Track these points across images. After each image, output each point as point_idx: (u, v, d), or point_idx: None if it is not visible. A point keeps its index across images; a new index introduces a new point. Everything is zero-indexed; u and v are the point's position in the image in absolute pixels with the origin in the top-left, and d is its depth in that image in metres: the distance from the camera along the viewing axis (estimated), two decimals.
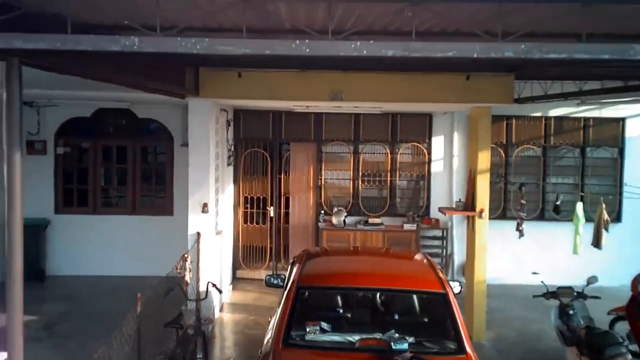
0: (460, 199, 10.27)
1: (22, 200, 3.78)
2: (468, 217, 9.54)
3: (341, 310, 5.71)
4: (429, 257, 6.64)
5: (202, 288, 8.33)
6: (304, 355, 4.91)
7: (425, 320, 5.54)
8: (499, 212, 11.89)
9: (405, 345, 4.89)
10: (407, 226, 11.58)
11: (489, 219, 11.62)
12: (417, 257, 6.90)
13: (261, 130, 11.78)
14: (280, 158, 12.05)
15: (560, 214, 10.70)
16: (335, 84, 8.24)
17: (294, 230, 11.92)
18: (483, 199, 9.12)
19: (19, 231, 3.77)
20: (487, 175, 9.23)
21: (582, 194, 11.04)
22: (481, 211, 9.09)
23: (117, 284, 10.60)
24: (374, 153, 12.08)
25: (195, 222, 8.69)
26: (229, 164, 10.80)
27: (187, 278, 7.47)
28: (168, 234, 10.76)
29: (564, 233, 10.76)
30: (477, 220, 9.13)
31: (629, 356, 6.45)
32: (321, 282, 5.78)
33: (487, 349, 8.61)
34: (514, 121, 11.93)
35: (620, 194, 11.90)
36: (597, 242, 9.38)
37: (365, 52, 3.41)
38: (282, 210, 12.10)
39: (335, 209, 11.73)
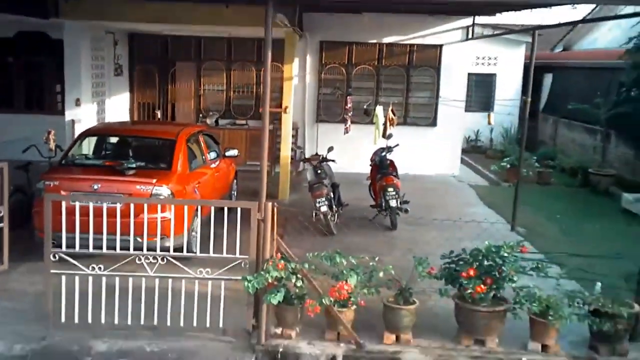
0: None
1: None
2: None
3: (106, 149, 9.09)
4: (197, 127, 9.96)
5: None
6: (68, 167, 8.32)
7: (160, 154, 8.77)
8: (340, 117, 15.02)
9: (133, 165, 8.16)
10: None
11: (333, 122, 14.93)
12: (184, 125, 10.10)
13: (151, 50, 15.06)
14: (167, 72, 15.27)
15: (370, 116, 13.90)
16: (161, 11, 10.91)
17: None
18: (287, 99, 12.23)
19: None
20: (290, 82, 12.31)
21: (381, 99, 14.20)
22: (285, 108, 12.23)
23: None
24: (244, 70, 15.24)
25: (71, 112, 12.00)
26: (116, 75, 14.04)
27: (52, 146, 10.70)
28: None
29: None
30: (283, 115, 12.29)
31: (325, 189, 9.79)
32: (95, 132, 9.21)
33: (284, 203, 11.83)
34: (354, 47, 14.99)
35: (436, 104, 15.07)
36: (383, 134, 12.55)
37: None
38: (169, 114, 15.43)
39: (211, 113, 15.01)
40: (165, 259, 6.00)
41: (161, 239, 6.23)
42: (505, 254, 6.16)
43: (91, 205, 5.99)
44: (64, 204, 5.97)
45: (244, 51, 15.07)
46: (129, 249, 6.04)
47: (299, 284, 6.06)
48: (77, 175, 7.93)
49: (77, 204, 5.93)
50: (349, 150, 14.45)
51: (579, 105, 15.64)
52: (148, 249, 6.05)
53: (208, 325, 6.01)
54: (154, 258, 5.97)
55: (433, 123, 15.14)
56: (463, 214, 11.70)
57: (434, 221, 10.73)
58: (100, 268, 5.91)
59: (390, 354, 5.96)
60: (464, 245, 7.24)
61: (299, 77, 15.12)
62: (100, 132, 9.39)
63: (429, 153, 14.80)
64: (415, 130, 14.93)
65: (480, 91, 20.11)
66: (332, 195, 10.23)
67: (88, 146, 8.95)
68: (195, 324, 6.00)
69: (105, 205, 6.07)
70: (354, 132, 13.79)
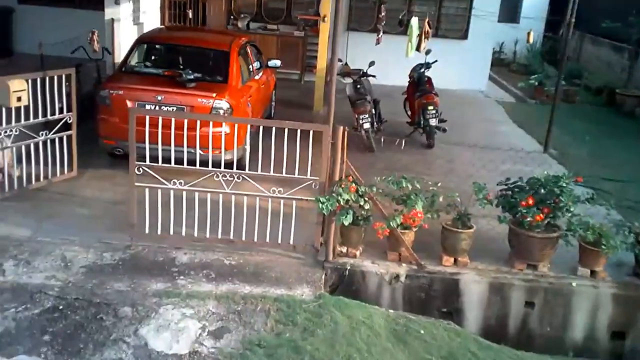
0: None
1: None
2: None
3: (161, 57, 9.13)
4: (244, 37, 9.96)
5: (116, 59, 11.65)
6: (129, 75, 8.43)
7: (214, 66, 8.84)
8: (372, 26, 14.86)
9: (191, 76, 8.24)
10: (296, 33, 14.76)
11: (364, 31, 14.81)
12: (233, 35, 10.14)
13: None
14: None
15: (403, 26, 13.80)
16: None
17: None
18: (326, 6, 12.10)
19: None
20: None
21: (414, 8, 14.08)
22: (324, 17, 12.14)
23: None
24: None
25: (110, 11, 11.87)
26: None
27: (96, 47, 10.72)
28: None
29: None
30: (322, 24, 12.23)
31: (368, 105, 9.98)
32: (150, 40, 9.22)
33: (319, 114, 12.01)
34: None
35: (469, 16, 14.93)
36: (418, 47, 12.55)
37: None
38: (201, 14, 15.24)
39: (242, 15, 14.84)
40: (241, 177, 6.27)
41: (228, 151, 6.55)
42: (564, 184, 6.45)
43: (173, 120, 6.19)
44: (148, 118, 6.16)
45: None
46: (194, 161, 6.25)
47: (367, 206, 6.39)
48: (141, 86, 8.02)
49: (160, 118, 6.15)
50: (380, 62, 14.41)
51: (611, 24, 15.51)
52: (214, 161, 6.30)
53: (279, 241, 6.36)
54: (231, 176, 6.23)
55: (464, 36, 15.06)
56: (494, 132, 11.99)
57: (467, 141, 11.00)
58: (181, 183, 6.19)
59: (449, 275, 6.38)
60: (498, 166, 7.64)
61: None
62: (156, 39, 9.38)
63: (458, 67, 14.72)
64: (445, 43, 14.78)
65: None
66: (374, 112, 10.40)
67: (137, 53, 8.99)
68: (267, 239, 6.35)
69: (186, 121, 6.24)
70: (385, 43, 13.65)
